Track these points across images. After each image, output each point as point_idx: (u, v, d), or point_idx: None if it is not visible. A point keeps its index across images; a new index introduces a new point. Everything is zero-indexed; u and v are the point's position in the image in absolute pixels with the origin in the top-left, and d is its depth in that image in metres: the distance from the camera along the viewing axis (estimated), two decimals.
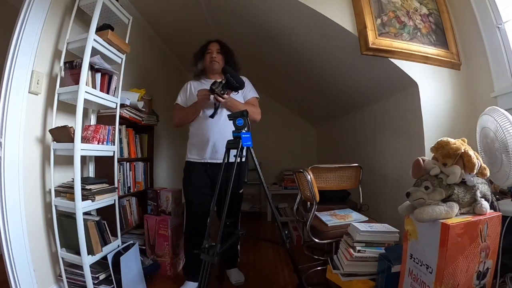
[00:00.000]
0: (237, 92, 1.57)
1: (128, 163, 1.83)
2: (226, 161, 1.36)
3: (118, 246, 1.50)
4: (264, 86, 2.97)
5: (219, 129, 1.56)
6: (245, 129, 1.33)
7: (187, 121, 1.68)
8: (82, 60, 1.33)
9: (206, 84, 1.62)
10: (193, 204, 1.62)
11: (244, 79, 1.71)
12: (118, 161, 1.62)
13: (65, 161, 1.43)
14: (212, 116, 1.54)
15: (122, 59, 1.63)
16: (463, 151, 0.92)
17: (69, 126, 1.31)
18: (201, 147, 1.61)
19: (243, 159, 1.41)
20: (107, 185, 1.49)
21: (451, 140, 0.97)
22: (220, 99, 1.46)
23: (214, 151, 1.58)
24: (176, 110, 1.74)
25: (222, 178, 1.34)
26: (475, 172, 0.93)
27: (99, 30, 1.43)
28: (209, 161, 1.60)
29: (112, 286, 1.37)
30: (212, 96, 1.48)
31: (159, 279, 1.73)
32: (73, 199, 1.26)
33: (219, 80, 1.45)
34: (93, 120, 1.67)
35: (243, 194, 1.72)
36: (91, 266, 1.31)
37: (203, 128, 1.60)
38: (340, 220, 1.43)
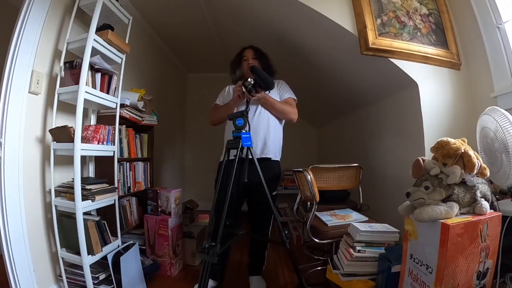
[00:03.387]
0: (268, 92, 1.55)
1: (128, 163, 1.83)
2: (227, 159, 1.36)
3: (118, 246, 1.50)
4: None
5: (253, 125, 1.52)
6: (245, 129, 1.33)
7: (222, 118, 1.66)
8: (82, 60, 1.33)
9: None
10: (220, 204, 1.59)
11: (282, 82, 1.74)
12: (118, 161, 1.62)
13: (65, 161, 1.43)
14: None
15: (122, 59, 1.64)
16: (463, 151, 0.92)
17: (69, 126, 1.31)
18: None
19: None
20: (107, 185, 1.49)
21: (451, 140, 0.96)
22: (250, 96, 1.45)
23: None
24: (213, 109, 1.75)
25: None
26: (475, 172, 0.93)
27: (99, 30, 1.43)
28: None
29: (112, 286, 1.37)
30: (245, 93, 1.46)
31: (159, 279, 1.72)
32: (73, 199, 1.26)
33: (250, 79, 1.42)
34: (93, 120, 1.67)
35: (275, 198, 1.62)
36: (91, 266, 1.31)
37: None
38: (340, 220, 1.43)
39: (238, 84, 1.53)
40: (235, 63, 1.78)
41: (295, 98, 1.73)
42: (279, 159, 1.67)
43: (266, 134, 1.58)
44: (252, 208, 1.66)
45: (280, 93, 1.70)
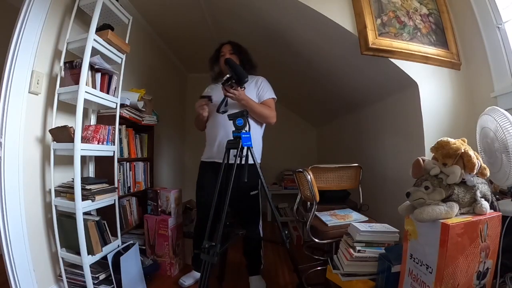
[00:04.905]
0: (243, 88, 1.51)
1: (128, 163, 1.83)
2: (226, 161, 1.36)
3: (118, 246, 1.50)
4: None
5: (227, 128, 1.51)
6: (246, 129, 1.33)
7: (200, 125, 1.74)
8: (82, 60, 1.33)
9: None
10: (200, 205, 1.66)
11: (262, 79, 1.71)
12: (118, 161, 1.63)
13: (65, 161, 1.43)
14: (217, 110, 1.49)
15: (122, 59, 1.64)
16: (463, 151, 0.92)
17: (69, 126, 1.31)
18: (210, 146, 1.64)
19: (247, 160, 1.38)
20: (107, 185, 1.49)
21: (451, 140, 0.96)
22: (224, 91, 1.45)
23: (220, 149, 1.52)
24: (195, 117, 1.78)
25: (222, 179, 1.34)
26: (475, 172, 0.93)
27: (99, 30, 1.43)
28: (216, 160, 1.59)
29: (112, 286, 1.37)
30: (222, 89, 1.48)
31: (159, 279, 1.73)
32: (73, 199, 1.26)
33: (227, 75, 1.43)
34: (93, 120, 1.67)
35: (258, 196, 1.62)
36: (91, 266, 1.31)
37: (213, 126, 1.63)
38: (340, 220, 1.43)
39: (199, 103, 1.59)
40: (213, 59, 1.75)
41: (275, 97, 1.69)
42: (258, 162, 1.58)
43: None
44: (238, 208, 1.61)
45: (259, 91, 1.65)
